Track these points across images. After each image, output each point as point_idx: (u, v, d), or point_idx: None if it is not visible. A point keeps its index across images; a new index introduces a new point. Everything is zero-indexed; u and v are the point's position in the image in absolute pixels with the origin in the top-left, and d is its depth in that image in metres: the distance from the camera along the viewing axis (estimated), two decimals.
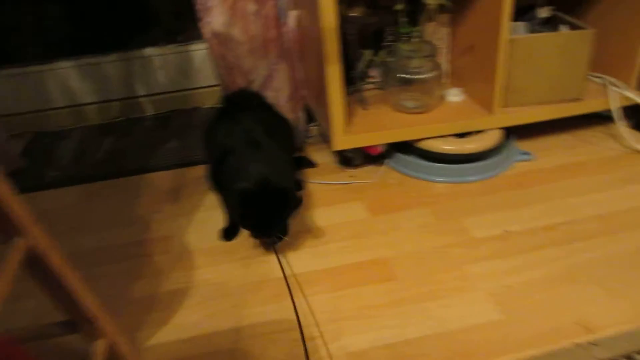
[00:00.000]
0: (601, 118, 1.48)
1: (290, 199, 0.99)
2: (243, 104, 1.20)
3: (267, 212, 0.98)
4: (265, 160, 1.02)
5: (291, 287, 1.00)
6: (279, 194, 0.97)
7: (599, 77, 1.42)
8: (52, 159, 1.56)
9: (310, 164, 1.43)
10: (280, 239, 1.08)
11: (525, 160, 1.36)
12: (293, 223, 1.17)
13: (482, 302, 0.94)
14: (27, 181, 1.45)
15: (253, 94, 1.28)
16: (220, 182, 1.09)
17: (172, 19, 1.76)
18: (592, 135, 1.46)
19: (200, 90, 1.76)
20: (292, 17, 1.36)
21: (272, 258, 1.08)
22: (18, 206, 0.56)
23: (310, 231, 1.16)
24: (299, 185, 1.31)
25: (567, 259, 1.03)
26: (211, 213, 1.23)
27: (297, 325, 0.91)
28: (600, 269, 1.00)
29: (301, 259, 1.08)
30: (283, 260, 1.07)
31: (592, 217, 1.14)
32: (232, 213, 1.11)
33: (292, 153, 1.25)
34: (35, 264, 0.61)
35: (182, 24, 1.75)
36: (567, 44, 1.26)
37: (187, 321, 0.95)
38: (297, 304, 0.96)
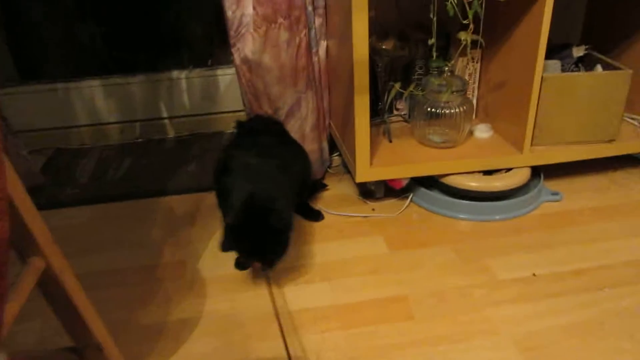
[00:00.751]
0: (636, 160, 1.46)
1: (276, 222, 0.98)
2: (255, 130, 1.22)
3: (254, 238, 0.97)
4: (253, 184, 1.03)
5: (304, 323, 0.99)
6: (264, 219, 0.96)
7: (634, 119, 1.41)
8: (71, 177, 1.58)
9: (322, 186, 1.44)
10: (271, 265, 1.05)
11: (554, 201, 1.35)
12: (299, 251, 1.18)
13: (505, 347, 0.92)
14: (45, 198, 1.47)
15: (267, 119, 1.30)
16: (219, 205, 1.11)
17: (202, 43, 1.80)
18: (625, 178, 1.44)
19: (224, 115, 1.79)
20: (323, 47, 1.38)
21: (287, 288, 1.08)
22: (38, 225, 0.57)
23: (327, 264, 1.15)
24: (313, 214, 1.32)
25: (596, 307, 1.00)
26: None
27: None
28: (632, 319, 0.97)
29: (316, 293, 1.07)
30: (279, 294, 1.07)
31: (624, 263, 1.12)
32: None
33: (302, 180, 1.24)
34: (48, 285, 0.61)
35: (212, 48, 1.79)
36: (603, 85, 1.26)
37: (196, 352, 0.94)
38: (309, 340, 0.95)
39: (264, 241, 0.98)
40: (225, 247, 0.99)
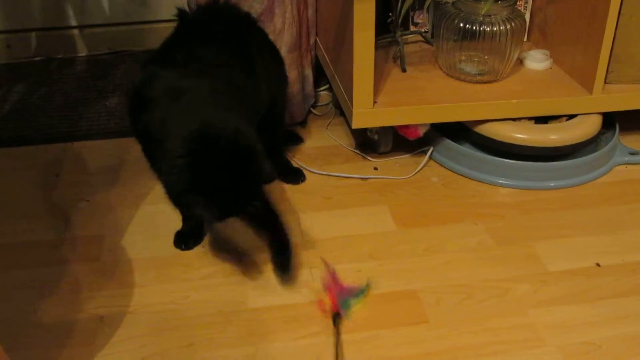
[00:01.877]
0: None
1: (255, 153, 0.95)
2: (206, 27, 1.17)
3: (228, 175, 0.93)
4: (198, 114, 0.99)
5: (276, 325, 1.01)
6: (238, 147, 0.94)
7: None
8: None
9: (295, 139, 1.46)
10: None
11: (633, 164, 1.38)
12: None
13: None
14: None
15: (230, 9, 1.23)
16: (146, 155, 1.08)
17: None
18: None
19: (160, 25, 1.77)
20: None
21: (249, 278, 1.10)
22: None
23: (312, 245, 1.17)
24: (289, 173, 1.34)
25: None
26: (162, 206, 1.22)
27: None
28: None
29: (297, 285, 1.08)
30: (239, 285, 1.08)
31: None
32: (172, 188, 1.01)
33: (272, 110, 1.23)
34: None
35: None
36: None
37: None
38: (281, 349, 0.97)
39: (241, 188, 0.94)
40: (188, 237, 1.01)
